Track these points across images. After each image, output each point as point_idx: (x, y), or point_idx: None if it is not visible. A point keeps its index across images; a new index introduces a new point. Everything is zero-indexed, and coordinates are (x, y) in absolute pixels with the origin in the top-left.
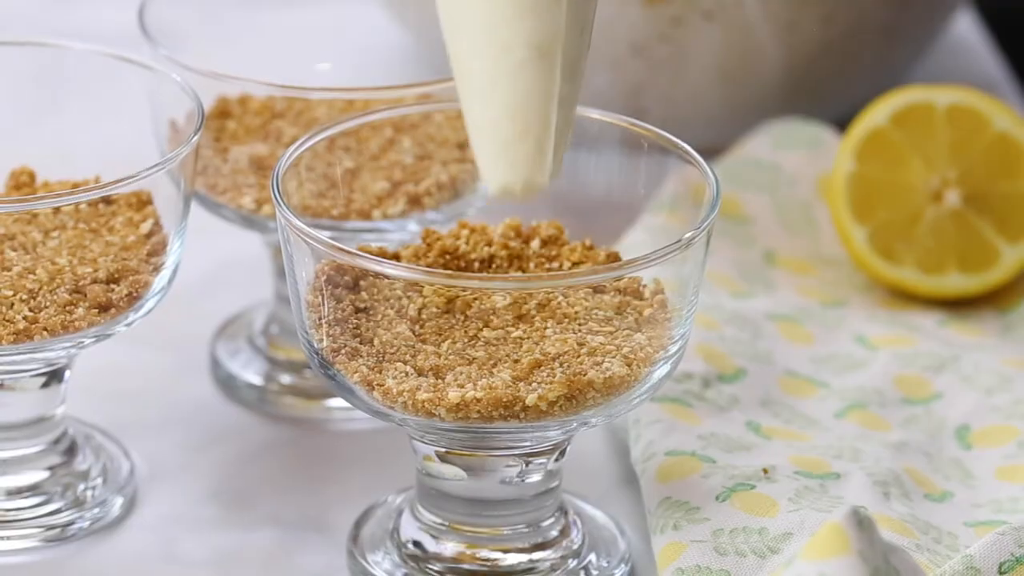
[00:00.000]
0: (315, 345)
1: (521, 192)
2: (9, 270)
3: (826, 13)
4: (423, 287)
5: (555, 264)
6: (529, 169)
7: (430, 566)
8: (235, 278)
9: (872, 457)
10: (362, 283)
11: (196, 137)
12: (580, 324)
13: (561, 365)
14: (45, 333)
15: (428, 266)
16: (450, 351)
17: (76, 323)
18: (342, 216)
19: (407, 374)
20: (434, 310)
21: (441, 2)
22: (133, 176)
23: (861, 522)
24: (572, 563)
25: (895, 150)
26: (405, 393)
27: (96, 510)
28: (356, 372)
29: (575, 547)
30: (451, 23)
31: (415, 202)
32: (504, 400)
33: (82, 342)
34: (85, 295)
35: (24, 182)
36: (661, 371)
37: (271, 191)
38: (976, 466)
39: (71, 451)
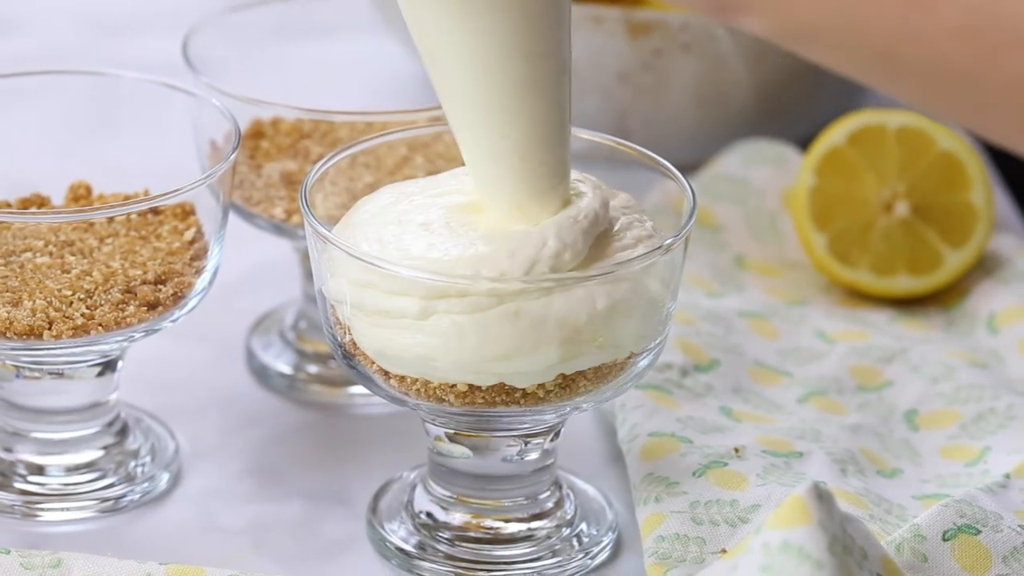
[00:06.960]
0: (339, 339)
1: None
2: (68, 272)
3: None
4: None
5: None
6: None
7: (440, 534)
8: (268, 279)
9: (831, 438)
10: None
11: (233, 155)
12: None
13: None
14: (100, 328)
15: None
16: None
17: (127, 319)
18: None
19: None
20: None
21: (458, 41)
22: (178, 189)
23: (821, 495)
24: (566, 531)
25: (851, 166)
26: (418, 381)
27: (145, 484)
28: (375, 363)
29: (568, 517)
30: (468, 56)
31: None
32: (505, 387)
33: (133, 336)
34: (136, 295)
35: (81, 195)
36: (645, 362)
37: (300, 203)
38: (923, 446)
39: (123, 432)
